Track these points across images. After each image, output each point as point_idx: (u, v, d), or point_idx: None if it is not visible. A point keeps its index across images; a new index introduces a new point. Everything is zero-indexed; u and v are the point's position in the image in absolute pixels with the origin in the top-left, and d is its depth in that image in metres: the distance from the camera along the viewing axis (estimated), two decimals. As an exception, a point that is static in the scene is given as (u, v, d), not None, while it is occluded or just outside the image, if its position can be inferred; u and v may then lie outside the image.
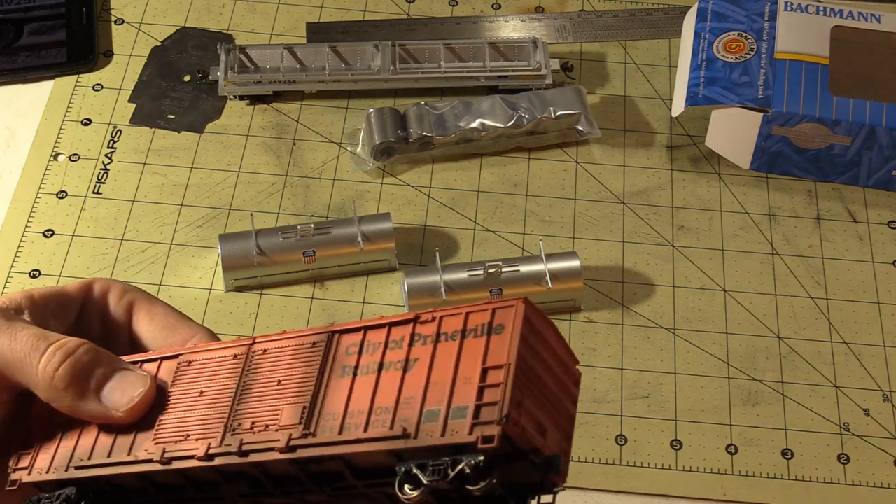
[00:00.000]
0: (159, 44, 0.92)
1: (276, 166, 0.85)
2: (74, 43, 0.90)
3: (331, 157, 0.85)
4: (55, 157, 0.84)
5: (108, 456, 0.44)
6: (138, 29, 0.92)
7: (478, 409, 0.36)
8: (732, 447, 0.73)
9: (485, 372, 0.37)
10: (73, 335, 0.46)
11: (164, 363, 0.46)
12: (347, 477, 0.40)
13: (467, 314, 0.39)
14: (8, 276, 0.78)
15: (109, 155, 0.85)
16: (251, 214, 0.79)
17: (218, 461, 0.41)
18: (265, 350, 0.43)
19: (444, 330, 0.39)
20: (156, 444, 0.43)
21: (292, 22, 0.93)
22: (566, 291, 0.77)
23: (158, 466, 0.42)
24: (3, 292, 0.77)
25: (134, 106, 0.88)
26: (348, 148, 0.86)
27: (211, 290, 0.78)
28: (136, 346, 0.49)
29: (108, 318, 0.49)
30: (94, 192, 0.83)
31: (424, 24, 0.94)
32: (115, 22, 0.93)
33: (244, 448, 0.41)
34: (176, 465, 0.42)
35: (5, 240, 0.80)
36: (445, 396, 0.37)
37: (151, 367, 0.46)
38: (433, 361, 0.39)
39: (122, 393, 0.44)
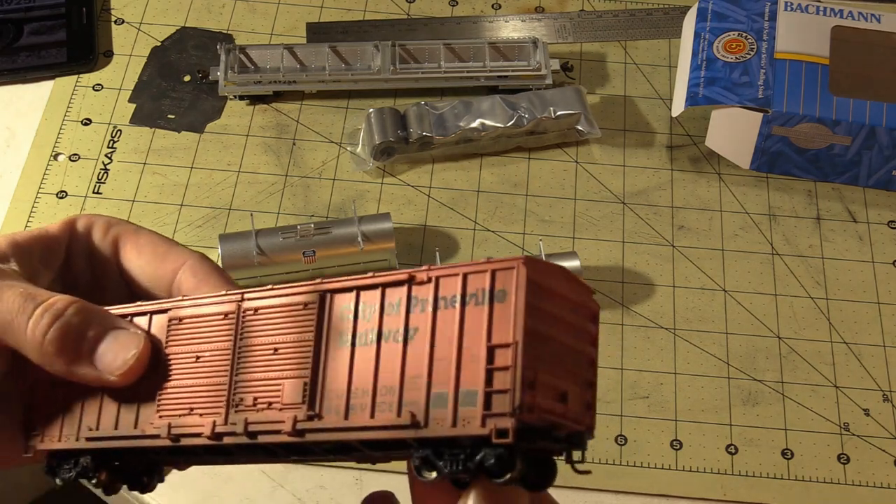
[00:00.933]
0: (159, 44, 0.92)
1: (276, 166, 0.85)
2: (74, 43, 0.90)
3: (331, 157, 0.85)
4: (55, 157, 0.84)
5: (115, 427, 0.43)
6: (138, 29, 0.92)
7: (488, 396, 0.34)
8: (732, 447, 0.73)
9: (491, 351, 0.35)
10: (62, 278, 0.45)
11: (155, 317, 0.44)
12: (365, 451, 0.39)
13: (465, 275, 0.36)
14: (8, 276, 0.78)
15: (109, 155, 0.85)
16: (251, 214, 0.79)
17: (227, 440, 0.40)
18: (256, 309, 0.41)
19: (442, 294, 0.37)
20: (160, 416, 0.42)
21: (292, 22, 0.93)
22: (566, 291, 0.77)
23: (168, 443, 0.42)
24: (3, 292, 0.77)
25: (134, 106, 0.88)
26: (348, 148, 0.86)
27: (211, 290, 0.78)
28: (127, 279, 0.48)
29: (95, 255, 0.47)
30: (94, 192, 0.83)
31: (424, 24, 0.94)
32: (115, 22, 0.93)
33: (251, 429, 0.40)
34: (185, 442, 0.41)
35: (5, 240, 0.80)
36: (452, 377, 0.35)
37: (142, 321, 0.44)
38: (434, 333, 0.36)
39: (115, 355, 0.42)
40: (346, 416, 0.38)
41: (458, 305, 0.36)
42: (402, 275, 0.38)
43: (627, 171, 0.86)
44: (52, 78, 0.89)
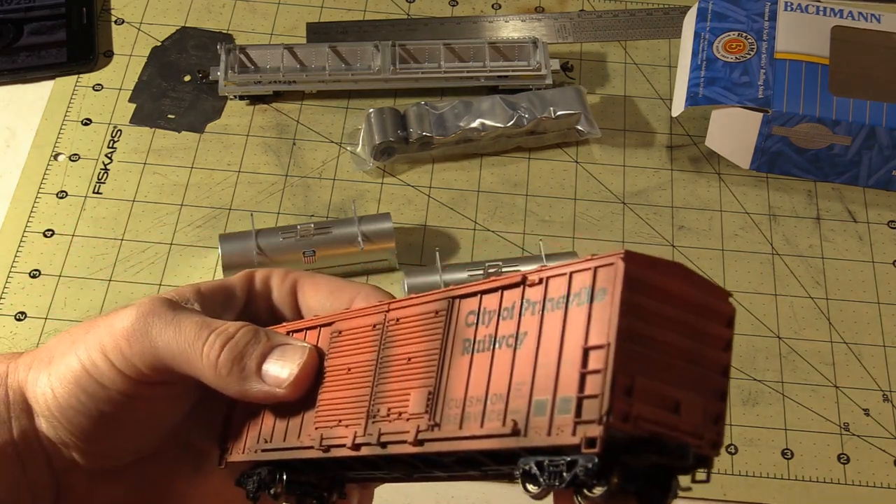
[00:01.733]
0: (159, 44, 0.92)
1: (276, 166, 0.85)
2: (74, 43, 0.90)
3: (331, 157, 0.85)
4: (55, 157, 0.84)
5: (285, 438, 0.45)
6: (138, 29, 0.92)
7: (580, 402, 0.32)
8: (732, 447, 0.73)
9: (586, 353, 0.33)
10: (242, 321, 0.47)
11: (322, 330, 0.45)
12: (486, 462, 0.38)
13: (571, 274, 0.35)
14: (8, 276, 0.78)
15: (109, 155, 0.85)
16: (251, 214, 0.79)
17: (364, 451, 0.41)
18: (398, 319, 0.42)
19: (550, 295, 0.35)
20: (316, 428, 0.43)
21: (292, 22, 0.93)
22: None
23: (321, 454, 0.43)
24: (3, 293, 0.77)
25: (134, 106, 0.88)
26: (348, 148, 0.86)
27: (211, 290, 0.78)
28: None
29: (274, 305, 0.49)
30: (94, 192, 0.83)
31: (424, 24, 0.94)
32: (115, 22, 0.93)
33: (382, 439, 0.40)
34: (333, 452, 0.42)
35: (5, 240, 0.80)
36: (551, 383, 0.34)
37: (311, 336, 0.46)
38: (541, 337, 0.35)
39: (282, 367, 0.44)
40: (461, 426, 0.37)
41: (563, 307, 0.35)
42: (516, 277, 0.37)
43: (627, 171, 0.86)
44: (53, 78, 0.89)
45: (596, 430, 0.32)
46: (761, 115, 0.81)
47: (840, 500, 0.71)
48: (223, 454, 0.48)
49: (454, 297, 0.39)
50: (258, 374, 0.44)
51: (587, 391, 0.32)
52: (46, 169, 0.84)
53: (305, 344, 0.45)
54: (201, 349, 0.44)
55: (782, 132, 0.82)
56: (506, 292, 0.37)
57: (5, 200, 0.82)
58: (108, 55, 0.91)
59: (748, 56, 0.84)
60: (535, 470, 0.34)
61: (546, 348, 0.35)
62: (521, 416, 0.34)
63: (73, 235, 0.80)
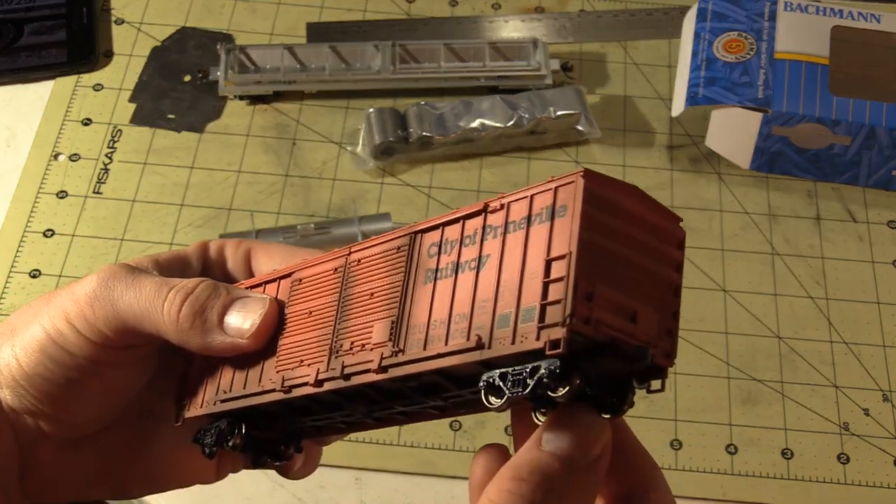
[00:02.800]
0: (159, 44, 0.92)
1: (276, 166, 0.85)
2: (75, 43, 0.90)
3: (331, 157, 0.85)
4: (55, 157, 0.85)
5: (244, 387, 0.45)
6: (138, 29, 0.92)
7: (543, 309, 0.34)
8: (732, 447, 0.73)
9: (548, 264, 0.34)
10: None
11: (282, 282, 0.46)
12: (450, 387, 0.39)
13: (532, 196, 0.36)
14: (8, 276, 0.78)
15: (110, 155, 0.85)
16: (251, 214, 0.79)
17: (327, 386, 0.41)
18: (359, 260, 0.43)
19: (511, 218, 0.37)
20: (277, 371, 0.44)
21: (292, 22, 0.93)
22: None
23: (282, 395, 0.43)
24: (3, 293, 0.77)
25: (134, 106, 0.88)
26: (348, 148, 0.86)
27: (211, 290, 0.78)
28: None
29: (229, 273, 0.50)
30: (94, 192, 0.83)
31: (424, 24, 0.94)
32: (116, 22, 0.93)
33: (346, 371, 0.41)
34: (295, 392, 0.43)
35: (5, 240, 0.80)
36: (514, 297, 0.35)
37: (271, 289, 0.46)
38: (503, 257, 0.36)
39: (244, 318, 0.45)
40: (425, 348, 0.38)
41: (524, 227, 0.36)
42: (478, 206, 0.38)
43: (627, 171, 0.86)
44: (53, 78, 0.89)
45: (559, 333, 0.33)
46: (761, 115, 0.81)
47: (840, 500, 0.71)
48: (180, 412, 0.49)
49: (416, 232, 0.40)
50: (220, 327, 0.45)
51: (550, 298, 0.34)
52: (47, 169, 0.84)
53: (265, 296, 0.46)
54: (162, 306, 0.45)
55: (782, 132, 0.82)
56: (467, 221, 0.39)
57: (5, 200, 0.82)
58: (109, 55, 0.91)
59: (748, 56, 0.84)
60: (497, 381, 0.35)
61: (509, 266, 0.36)
62: (484, 330, 0.36)
63: (73, 235, 0.80)
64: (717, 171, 0.86)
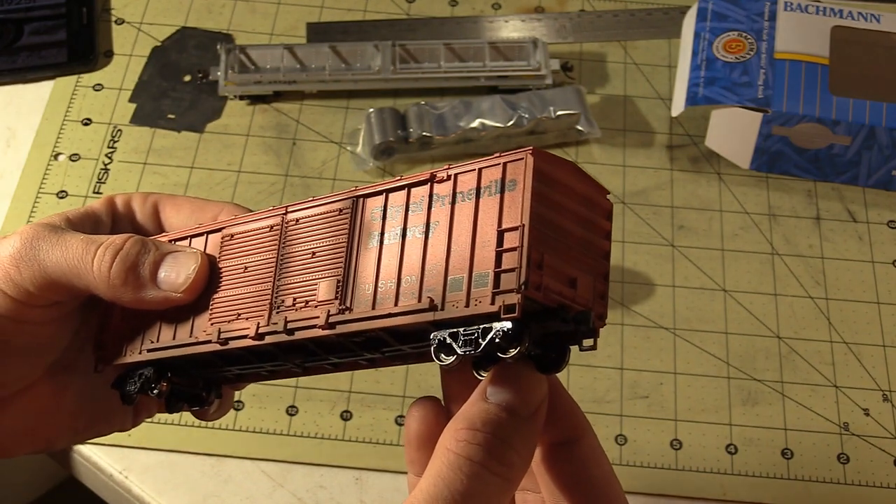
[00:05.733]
0: (159, 44, 0.92)
1: (276, 166, 0.85)
2: (75, 43, 0.90)
3: (331, 157, 0.86)
4: (55, 157, 0.85)
5: (174, 337, 0.46)
6: (138, 29, 0.92)
7: (497, 276, 0.37)
8: (732, 447, 0.73)
9: (501, 235, 0.37)
10: None
11: (210, 237, 0.47)
12: (392, 342, 0.41)
13: (480, 170, 0.39)
14: (8, 276, 0.78)
15: (110, 155, 0.85)
16: (251, 214, 0.79)
17: (268, 339, 0.43)
18: (297, 220, 0.44)
19: (459, 189, 0.39)
20: (212, 323, 0.45)
21: (292, 22, 0.93)
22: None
23: (218, 347, 0.45)
24: (3, 292, 0.77)
25: (134, 106, 0.88)
26: (348, 148, 0.86)
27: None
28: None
29: (138, 225, 0.51)
30: (94, 192, 0.83)
31: (424, 24, 0.94)
32: (116, 22, 0.93)
33: (289, 326, 0.42)
34: (232, 344, 0.44)
35: (5, 240, 0.80)
36: (466, 263, 0.38)
37: (199, 243, 0.48)
38: (452, 225, 0.39)
39: (177, 273, 0.46)
40: (374, 307, 0.40)
41: (473, 198, 0.39)
42: (424, 175, 0.40)
43: (627, 171, 0.86)
44: (53, 78, 0.89)
45: (514, 298, 0.36)
46: (761, 115, 0.81)
47: (840, 500, 0.71)
48: (99, 360, 0.49)
49: (358, 196, 0.42)
50: (153, 282, 0.46)
51: (504, 266, 0.37)
52: (47, 169, 0.84)
53: (196, 250, 0.47)
54: (91, 262, 0.46)
55: (782, 132, 0.82)
56: (413, 189, 0.41)
57: (5, 200, 0.82)
58: (109, 55, 0.91)
59: (748, 56, 0.84)
60: (449, 340, 0.38)
61: (459, 234, 0.39)
62: (436, 293, 0.38)
63: (73, 235, 0.80)
64: (717, 171, 0.86)
